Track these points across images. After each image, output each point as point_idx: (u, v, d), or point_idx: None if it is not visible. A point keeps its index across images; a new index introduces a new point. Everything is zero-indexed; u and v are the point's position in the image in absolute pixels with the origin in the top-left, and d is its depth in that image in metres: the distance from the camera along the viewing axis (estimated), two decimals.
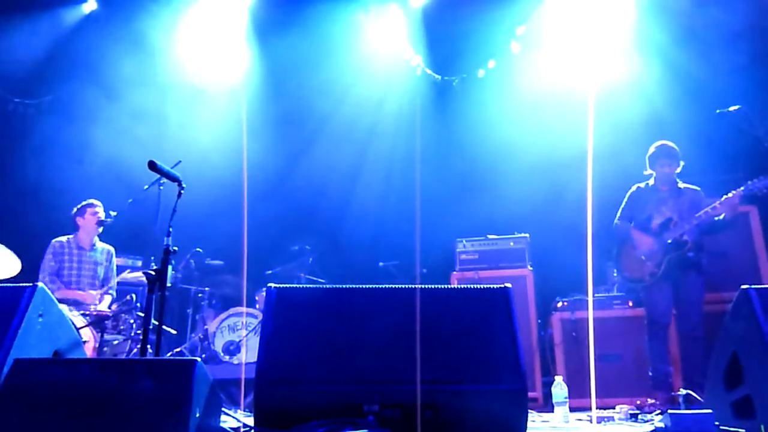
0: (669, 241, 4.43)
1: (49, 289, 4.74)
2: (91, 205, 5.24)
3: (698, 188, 4.62)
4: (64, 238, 5.21)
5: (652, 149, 4.66)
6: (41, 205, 6.44)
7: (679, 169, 4.61)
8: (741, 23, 5.82)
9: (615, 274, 4.86)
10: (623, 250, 4.68)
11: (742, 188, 4.17)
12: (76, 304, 4.91)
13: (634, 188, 4.78)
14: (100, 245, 5.35)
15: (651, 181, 4.71)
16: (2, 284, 2.83)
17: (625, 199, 4.79)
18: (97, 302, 5.03)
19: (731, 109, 4.14)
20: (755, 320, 2.60)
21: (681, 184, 4.64)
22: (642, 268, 4.52)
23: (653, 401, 4.18)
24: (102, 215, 5.20)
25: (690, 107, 5.62)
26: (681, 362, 4.46)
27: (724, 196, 4.21)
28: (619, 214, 4.78)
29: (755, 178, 4.15)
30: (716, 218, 4.30)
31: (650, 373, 4.48)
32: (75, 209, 5.25)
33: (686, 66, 6.04)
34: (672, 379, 4.44)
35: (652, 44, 6.34)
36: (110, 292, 5.29)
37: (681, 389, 4.01)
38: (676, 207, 4.54)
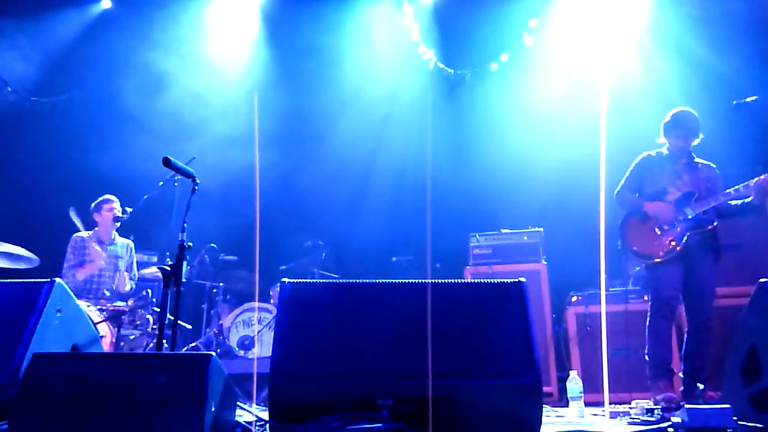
0: (690, 216, 4.00)
1: (74, 274, 4.90)
2: (108, 201, 5.28)
3: (714, 165, 4.24)
4: (85, 233, 5.27)
5: (668, 116, 4.21)
6: (58, 203, 6.50)
7: (697, 141, 4.17)
8: (757, 13, 5.73)
9: (619, 246, 4.32)
10: (630, 221, 4.23)
11: None
12: (98, 285, 5.07)
13: (643, 156, 4.32)
14: (119, 240, 5.41)
15: (664, 151, 4.26)
16: (21, 280, 2.87)
17: (632, 168, 4.35)
18: (125, 283, 5.20)
19: (748, 99, 4.06)
20: None
21: (696, 159, 4.24)
22: (656, 241, 4.04)
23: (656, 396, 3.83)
24: (118, 211, 5.24)
25: (706, 99, 5.51)
26: (683, 356, 4.04)
27: (756, 178, 3.81)
28: (623, 183, 4.34)
29: None
30: (742, 201, 3.94)
31: (648, 360, 4.02)
32: (92, 205, 5.30)
33: (702, 58, 5.95)
34: (672, 367, 4.03)
35: (668, 36, 6.26)
36: (131, 281, 5.38)
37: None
38: (694, 182, 4.11)
